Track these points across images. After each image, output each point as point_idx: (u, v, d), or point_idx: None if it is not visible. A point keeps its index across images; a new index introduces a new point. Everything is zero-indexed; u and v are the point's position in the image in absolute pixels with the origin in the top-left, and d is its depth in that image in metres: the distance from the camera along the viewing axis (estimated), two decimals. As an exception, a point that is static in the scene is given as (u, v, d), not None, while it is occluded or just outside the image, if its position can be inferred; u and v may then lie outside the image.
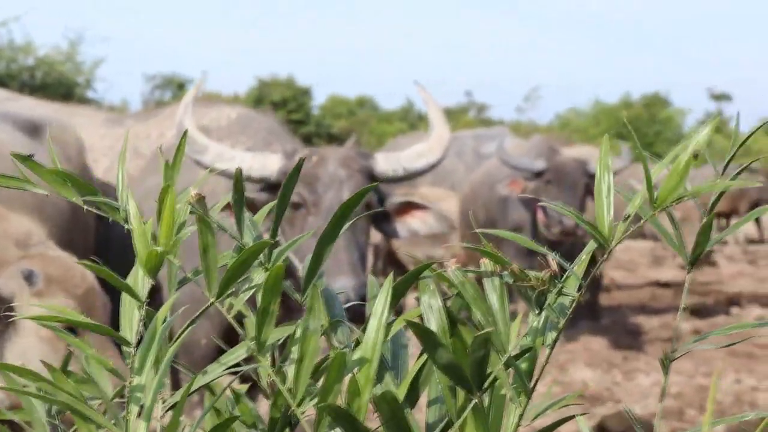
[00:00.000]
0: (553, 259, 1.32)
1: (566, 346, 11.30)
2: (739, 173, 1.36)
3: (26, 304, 3.80)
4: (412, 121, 57.18)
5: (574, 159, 10.98)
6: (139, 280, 1.35)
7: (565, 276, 1.34)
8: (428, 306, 1.34)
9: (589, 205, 10.73)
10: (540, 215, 10.78)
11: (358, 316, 1.57)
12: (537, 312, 1.35)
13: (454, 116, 59.72)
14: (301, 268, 4.24)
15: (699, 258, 1.41)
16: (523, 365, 1.40)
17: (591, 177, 10.54)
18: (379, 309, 1.35)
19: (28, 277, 3.80)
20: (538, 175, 10.69)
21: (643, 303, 14.63)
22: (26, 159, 1.36)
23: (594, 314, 13.05)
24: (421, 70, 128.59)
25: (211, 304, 1.36)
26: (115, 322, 1.48)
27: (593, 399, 8.64)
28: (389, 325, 1.40)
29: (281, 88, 57.37)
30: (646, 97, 58.08)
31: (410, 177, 5.69)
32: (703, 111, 64.54)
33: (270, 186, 5.37)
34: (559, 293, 1.35)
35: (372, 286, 1.51)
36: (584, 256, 1.36)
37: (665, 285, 16.36)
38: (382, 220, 5.58)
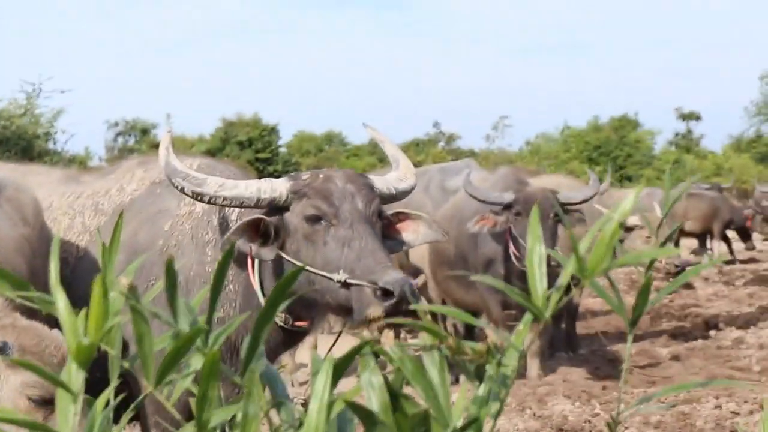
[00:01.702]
0: (491, 331, 1.33)
1: (545, 378, 11.31)
2: (669, 236, 1.38)
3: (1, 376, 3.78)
4: (381, 155, 57.25)
5: (543, 189, 11.01)
6: (72, 373, 1.35)
7: (503, 348, 1.35)
8: (369, 384, 1.35)
9: (561, 233, 10.78)
10: (511, 248, 10.80)
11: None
12: (477, 384, 1.36)
13: (424, 148, 59.89)
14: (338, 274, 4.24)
15: (638, 319, 1.42)
16: (470, 436, 1.41)
17: (561, 206, 10.59)
18: (319, 389, 1.35)
19: (2, 349, 3.77)
20: (507, 207, 10.71)
21: (620, 329, 14.65)
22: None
23: (572, 344, 13.08)
24: (387, 101, 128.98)
25: (149, 392, 1.36)
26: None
27: (572, 432, 8.64)
28: (331, 404, 1.40)
29: (247, 127, 57.41)
30: (615, 119, 58.39)
31: (399, 198, 5.85)
32: (673, 131, 65.06)
33: (278, 208, 5.46)
34: (499, 365, 1.36)
35: (316, 362, 1.52)
36: (521, 326, 1.38)
37: (642, 310, 16.41)
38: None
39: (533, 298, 1.32)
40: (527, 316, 1.38)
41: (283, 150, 59.84)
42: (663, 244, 1.37)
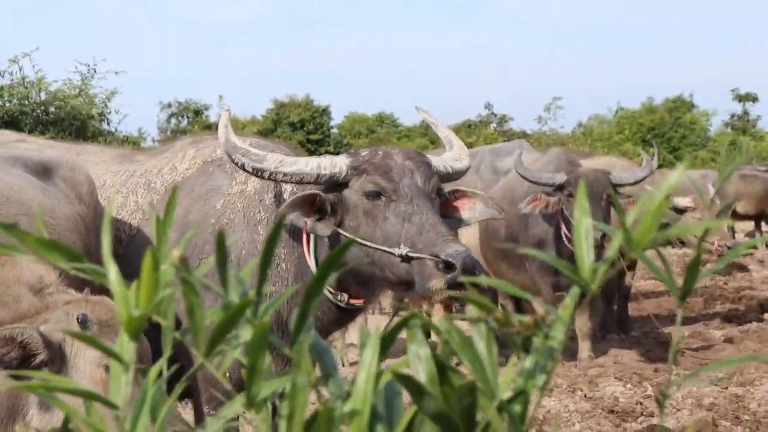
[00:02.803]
0: (538, 304, 1.33)
1: (596, 360, 11.28)
2: (722, 211, 1.37)
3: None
4: (432, 136, 57.17)
5: (595, 170, 10.96)
6: (124, 344, 1.37)
7: (550, 321, 1.36)
8: (416, 355, 1.36)
9: (614, 215, 10.72)
10: (563, 229, 10.77)
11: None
12: (524, 356, 1.37)
13: (476, 129, 59.71)
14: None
15: (688, 293, 1.42)
16: (516, 408, 1.42)
17: (614, 187, 10.54)
18: (367, 360, 1.37)
19: (83, 322, 3.83)
20: (559, 188, 10.67)
21: (672, 312, 14.56)
22: (10, 228, 1.38)
23: (623, 326, 13.02)
24: (439, 84, 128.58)
25: (201, 363, 1.38)
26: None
27: (624, 414, 8.61)
28: (379, 375, 1.42)
29: (299, 108, 57.52)
30: (670, 100, 57.87)
31: (455, 177, 5.91)
32: (728, 112, 64.31)
33: (338, 184, 5.54)
34: (546, 337, 1.37)
35: (363, 335, 1.53)
36: (569, 300, 1.38)
37: (696, 292, 16.27)
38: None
39: (580, 270, 1.32)
40: (574, 289, 1.38)
41: (334, 131, 59.93)
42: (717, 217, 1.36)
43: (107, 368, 3.83)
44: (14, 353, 3.79)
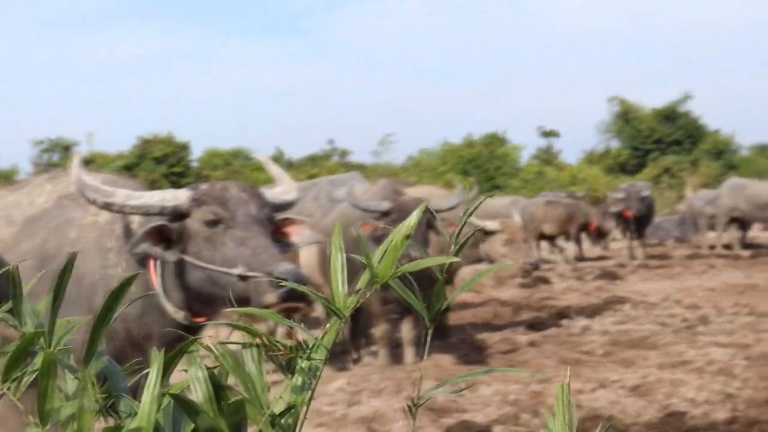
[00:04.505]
0: (300, 329, 1.34)
1: (418, 364, 11.39)
2: (461, 246, 1.41)
3: None
4: (281, 168, 57.02)
5: (415, 198, 11.12)
6: None
7: (313, 345, 1.37)
8: (194, 377, 1.35)
9: (432, 237, 10.88)
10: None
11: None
12: (289, 376, 1.37)
13: (319, 162, 59.80)
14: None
15: (438, 314, 1.45)
16: (288, 421, 1.42)
17: (431, 213, 10.69)
18: (151, 381, 1.35)
19: None
20: (385, 214, 10.78)
21: (486, 320, 14.84)
22: None
23: (443, 333, 13.19)
24: (288, 120, 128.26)
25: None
26: None
27: (440, 411, 8.71)
28: (162, 395, 1.40)
29: (161, 144, 56.65)
30: (486, 136, 59.08)
31: (285, 208, 5.96)
32: (535, 146, 66.10)
33: (181, 215, 5.52)
34: (309, 359, 1.37)
35: (153, 356, 1.51)
36: (328, 327, 1.39)
37: (505, 303, 16.62)
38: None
39: (335, 300, 1.33)
40: (334, 319, 1.39)
41: (194, 164, 59.15)
42: (456, 252, 1.39)
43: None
44: None
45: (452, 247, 1.46)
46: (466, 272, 16.61)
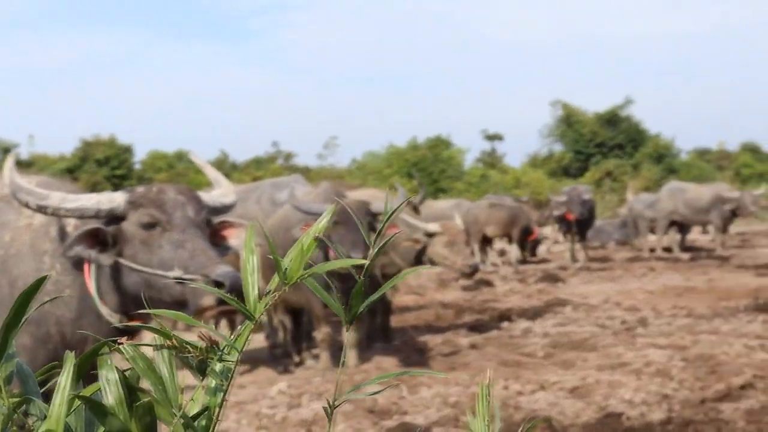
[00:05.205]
0: (210, 331, 1.34)
1: (361, 366, 11.39)
2: (382, 250, 1.42)
3: None
4: (226, 171, 56.69)
5: (357, 201, 11.13)
6: None
7: (224, 346, 1.37)
8: (106, 380, 1.34)
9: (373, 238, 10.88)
10: (331, 252, 10.85)
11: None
12: (201, 378, 1.37)
13: (264, 164, 59.57)
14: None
15: (355, 317, 1.46)
16: (203, 422, 1.41)
17: (373, 215, 10.72)
18: (62, 384, 1.34)
19: None
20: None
21: (429, 323, 14.89)
22: None
23: (386, 336, 13.21)
24: (232, 123, 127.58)
25: None
26: None
27: (381, 413, 8.73)
28: (74, 398, 1.39)
29: (104, 146, 56.10)
30: (431, 139, 59.30)
31: (223, 211, 5.94)
32: (479, 150, 66.57)
33: (115, 218, 5.50)
34: (221, 360, 1.37)
35: (66, 358, 1.50)
36: (242, 329, 1.39)
37: (448, 306, 16.70)
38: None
39: (247, 302, 1.34)
40: (247, 322, 1.40)
41: (137, 167, 58.63)
42: (376, 254, 1.40)
43: None
44: None
45: (372, 250, 1.47)
46: (412, 276, 16.66)
